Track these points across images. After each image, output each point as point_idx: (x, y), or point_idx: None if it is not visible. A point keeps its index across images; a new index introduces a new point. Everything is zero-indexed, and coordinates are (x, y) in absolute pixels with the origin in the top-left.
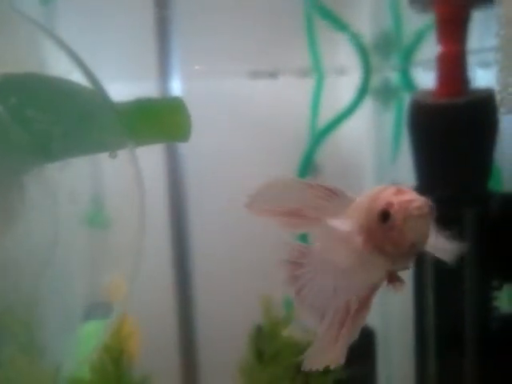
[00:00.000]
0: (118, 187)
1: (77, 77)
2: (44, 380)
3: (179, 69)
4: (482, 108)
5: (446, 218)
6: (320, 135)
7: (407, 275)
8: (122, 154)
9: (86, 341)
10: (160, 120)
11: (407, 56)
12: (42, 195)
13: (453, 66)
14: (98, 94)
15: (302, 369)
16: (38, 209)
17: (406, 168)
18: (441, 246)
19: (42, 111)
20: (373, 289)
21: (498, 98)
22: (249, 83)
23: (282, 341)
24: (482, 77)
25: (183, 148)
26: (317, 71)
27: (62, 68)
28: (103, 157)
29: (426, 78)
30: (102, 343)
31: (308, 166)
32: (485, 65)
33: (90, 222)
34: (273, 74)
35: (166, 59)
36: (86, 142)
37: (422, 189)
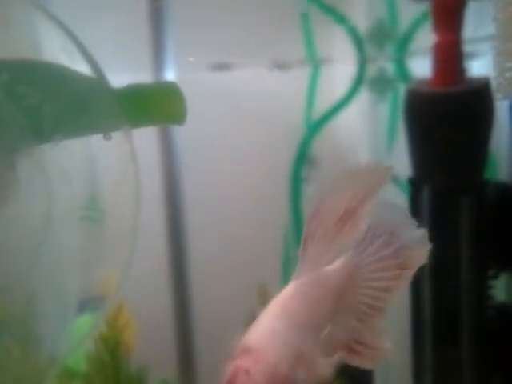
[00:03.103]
0: (112, 169)
1: (73, 56)
2: (38, 371)
3: (174, 60)
4: (478, 97)
5: (443, 207)
6: (315, 126)
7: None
8: (117, 136)
9: (77, 334)
10: (154, 103)
11: (403, 46)
12: (34, 174)
13: (448, 55)
14: (94, 74)
15: None
16: (30, 188)
17: (401, 158)
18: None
19: (33, 87)
20: None
21: (494, 83)
22: (243, 75)
23: None
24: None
25: (179, 140)
26: (312, 62)
27: (56, 44)
28: (97, 138)
29: (422, 68)
30: (90, 337)
31: (303, 157)
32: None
33: (85, 214)
34: (267, 66)
35: (160, 51)
36: (80, 123)
37: (418, 178)
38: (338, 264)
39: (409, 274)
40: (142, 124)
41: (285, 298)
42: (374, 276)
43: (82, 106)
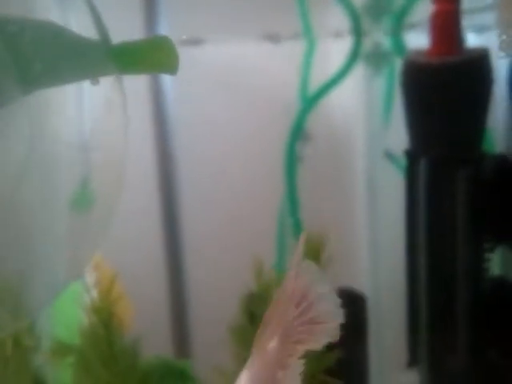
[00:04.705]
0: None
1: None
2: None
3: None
4: (476, 68)
5: (440, 179)
6: (310, 102)
7: (400, 237)
8: (106, 82)
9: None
10: (146, 52)
11: (399, 20)
12: (14, 107)
13: (447, 24)
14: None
15: None
16: (10, 121)
17: (397, 134)
18: None
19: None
20: None
21: (497, 40)
22: (237, 50)
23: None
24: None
25: (172, 119)
26: (307, 36)
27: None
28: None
29: (419, 42)
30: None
31: (298, 133)
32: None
33: (75, 202)
34: (262, 40)
35: (152, 28)
36: (64, 61)
37: (414, 150)
38: (273, 339)
39: (326, 328)
40: (134, 72)
41: None
42: (293, 333)
43: (68, 45)
